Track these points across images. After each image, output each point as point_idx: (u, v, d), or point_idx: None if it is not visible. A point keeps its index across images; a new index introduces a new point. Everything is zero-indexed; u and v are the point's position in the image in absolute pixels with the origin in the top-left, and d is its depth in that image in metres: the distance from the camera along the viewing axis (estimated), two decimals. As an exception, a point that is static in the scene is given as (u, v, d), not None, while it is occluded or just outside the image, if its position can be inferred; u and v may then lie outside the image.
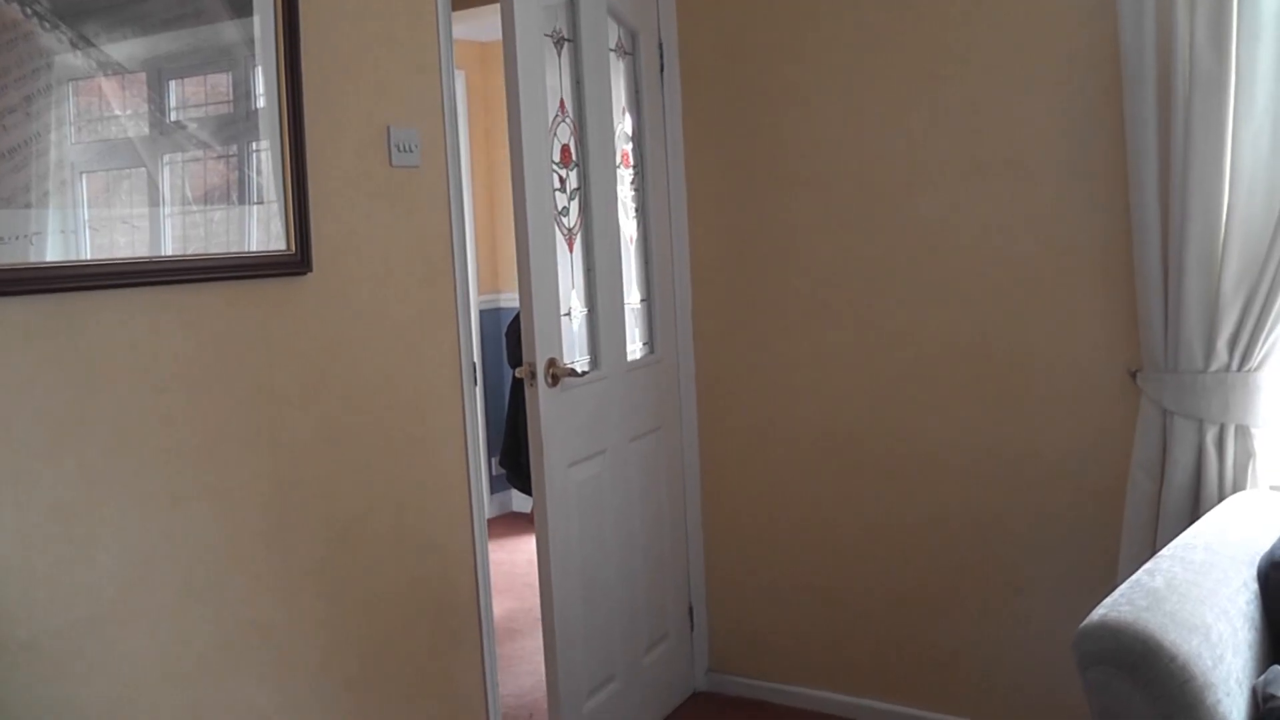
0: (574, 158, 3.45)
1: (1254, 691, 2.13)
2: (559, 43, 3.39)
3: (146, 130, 2.30)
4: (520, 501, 6.63)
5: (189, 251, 2.39)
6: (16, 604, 2.08)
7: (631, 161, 3.77)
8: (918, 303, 3.49)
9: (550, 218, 3.26)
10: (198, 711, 2.41)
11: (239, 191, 2.50)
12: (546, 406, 3.19)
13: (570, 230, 3.44)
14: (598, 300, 3.52)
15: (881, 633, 3.67)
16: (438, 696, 3.02)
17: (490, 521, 3.31)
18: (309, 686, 2.66)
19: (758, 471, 3.87)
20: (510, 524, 6.46)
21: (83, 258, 2.18)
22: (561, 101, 3.40)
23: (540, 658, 3.69)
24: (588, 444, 3.41)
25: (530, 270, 3.13)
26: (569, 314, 3.42)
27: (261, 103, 2.53)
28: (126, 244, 2.26)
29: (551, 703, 3.27)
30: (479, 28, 6.01)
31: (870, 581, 3.67)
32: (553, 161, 3.31)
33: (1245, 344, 2.86)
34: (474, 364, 3.13)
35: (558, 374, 3.20)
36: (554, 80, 3.36)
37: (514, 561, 5.67)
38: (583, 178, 3.47)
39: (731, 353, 3.88)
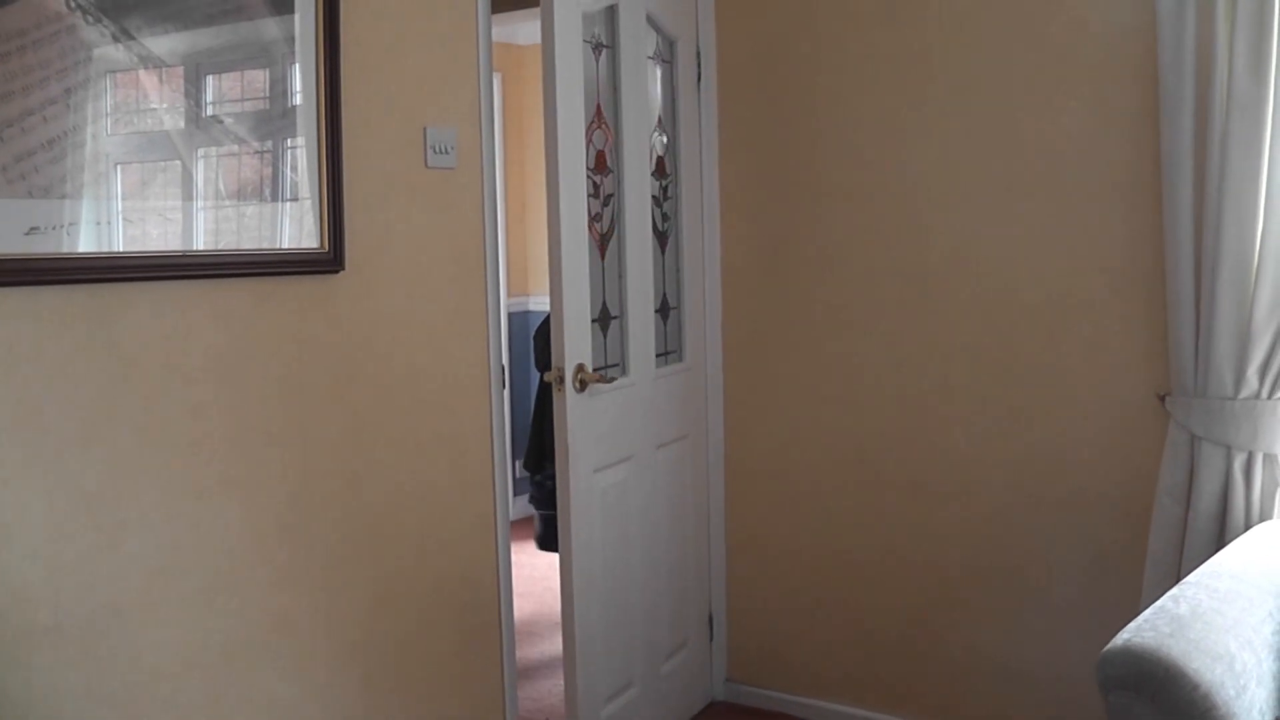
0: (609, 164, 3.45)
1: (1277, 723, 2.11)
2: (597, 49, 3.39)
3: (182, 124, 2.32)
4: (544, 505, 6.63)
5: (221, 246, 2.41)
6: (43, 589, 2.11)
7: (666, 169, 3.77)
8: (947, 317, 3.47)
9: (583, 223, 3.27)
10: (218, 701, 2.43)
11: (273, 188, 2.51)
12: (574, 412, 3.19)
13: (603, 236, 3.45)
14: (628, 307, 3.52)
15: (901, 647, 3.65)
16: (456, 696, 3.03)
17: (513, 524, 3.32)
18: (328, 681, 2.67)
19: (782, 481, 3.86)
20: (533, 527, 6.46)
21: (116, 249, 2.20)
22: (598, 107, 3.41)
23: (559, 662, 3.69)
24: (613, 450, 3.41)
25: (562, 275, 3.13)
26: (599, 319, 3.42)
27: (299, 100, 2.54)
28: (159, 236, 2.28)
29: (569, 707, 3.27)
30: (514, 31, 6.05)
31: (891, 596, 3.66)
32: (588, 167, 3.32)
33: (1276, 372, 2.83)
34: (502, 366, 3.14)
35: (586, 379, 3.20)
36: (591, 86, 3.36)
37: (535, 565, 5.68)
38: (617, 184, 3.48)
39: (760, 362, 3.87)
